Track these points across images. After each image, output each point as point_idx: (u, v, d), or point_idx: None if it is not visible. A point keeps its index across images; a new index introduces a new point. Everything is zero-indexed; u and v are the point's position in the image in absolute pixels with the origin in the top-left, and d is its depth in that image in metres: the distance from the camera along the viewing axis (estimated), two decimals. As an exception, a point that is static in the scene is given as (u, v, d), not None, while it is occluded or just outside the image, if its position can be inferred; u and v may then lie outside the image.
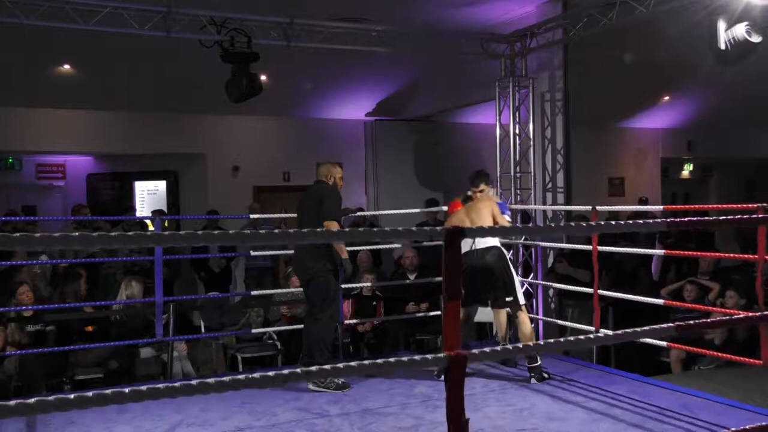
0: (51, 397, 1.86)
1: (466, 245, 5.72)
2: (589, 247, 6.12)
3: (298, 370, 2.08)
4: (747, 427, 2.54)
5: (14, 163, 11.75)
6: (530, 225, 8.29)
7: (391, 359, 2.30)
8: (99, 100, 10.33)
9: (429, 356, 2.19)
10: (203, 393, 1.99)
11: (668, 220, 2.75)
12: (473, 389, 5.46)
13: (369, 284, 7.83)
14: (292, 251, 6.60)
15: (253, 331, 7.46)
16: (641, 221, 2.66)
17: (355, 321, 7.59)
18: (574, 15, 7.40)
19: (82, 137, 10.90)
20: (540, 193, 8.18)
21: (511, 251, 7.75)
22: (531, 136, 8.12)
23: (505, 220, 6.00)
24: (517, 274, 6.96)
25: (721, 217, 2.71)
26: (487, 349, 2.44)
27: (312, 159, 9.11)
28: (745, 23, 5.66)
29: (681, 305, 6.74)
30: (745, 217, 3.09)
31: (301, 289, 6.06)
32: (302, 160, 11.05)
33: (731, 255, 8.78)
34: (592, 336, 2.53)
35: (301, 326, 6.11)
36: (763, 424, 2.63)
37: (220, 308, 7.97)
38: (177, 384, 1.99)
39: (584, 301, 7.18)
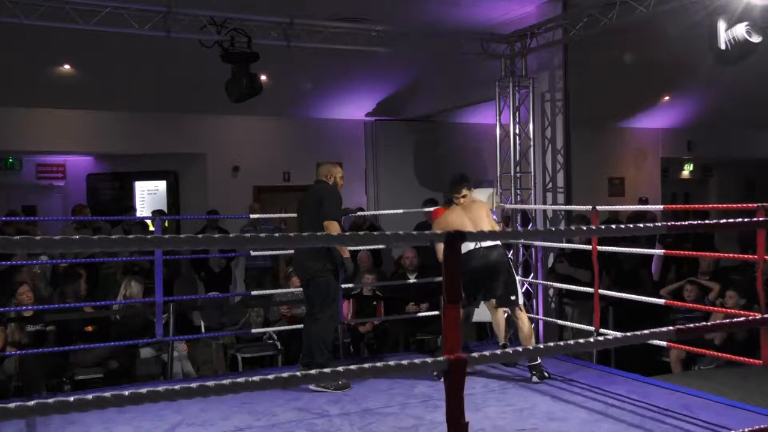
0: (50, 400, 1.86)
1: (469, 243, 5.71)
2: (590, 247, 6.12)
3: (298, 373, 2.07)
4: (746, 430, 2.53)
5: (14, 163, 11.75)
6: (530, 226, 8.29)
7: (391, 362, 2.31)
8: (99, 100, 10.33)
9: (429, 360, 2.19)
10: (203, 396, 1.99)
11: (669, 224, 2.75)
12: (473, 389, 5.47)
13: (369, 284, 7.83)
14: (292, 251, 6.60)
15: (253, 331, 7.46)
16: (642, 225, 2.66)
17: (355, 321, 7.59)
18: (574, 15, 7.40)
19: (82, 137, 10.91)
20: (540, 193, 8.18)
21: (512, 251, 7.75)
22: (531, 136, 8.11)
23: (495, 223, 6.03)
24: (517, 273, 6.96)
25: (721, 221, 2.71)
26: (487, 353, 2.44)
27: (312, 159, 9.11)
28: (745, 23, 5.66)
29: (681, 305, 6.74)
30: (745, 220, 3.09)
31: (301, 289, 6.07)
32: (302, 160, 11.06)
33: (731, 255, 8.79)
34: (591, 340, 2.52)
35: (301, 326, 6.12)
36: (763, 426, 2.63)
37: (220, 308, 7.97)
38: (176, 387, 1.99)
39: (584, 301, 7.19)
